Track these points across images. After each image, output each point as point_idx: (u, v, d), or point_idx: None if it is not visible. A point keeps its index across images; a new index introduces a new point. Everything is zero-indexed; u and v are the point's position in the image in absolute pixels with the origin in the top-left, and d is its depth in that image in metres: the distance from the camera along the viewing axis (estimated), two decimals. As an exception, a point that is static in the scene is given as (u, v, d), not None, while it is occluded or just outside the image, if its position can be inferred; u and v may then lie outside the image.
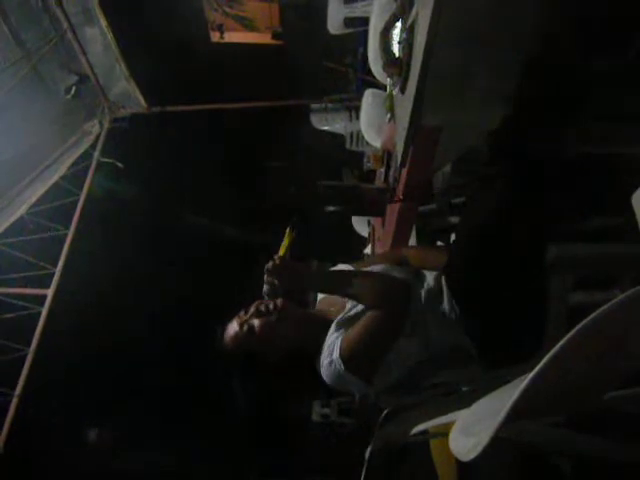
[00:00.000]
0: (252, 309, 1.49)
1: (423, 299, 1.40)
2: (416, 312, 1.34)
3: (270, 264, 1.39)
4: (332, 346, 1.35)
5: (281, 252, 1.46)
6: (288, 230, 1.49)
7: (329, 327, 1.44)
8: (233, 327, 1.49)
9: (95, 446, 5.20)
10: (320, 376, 1.39)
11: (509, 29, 1.30)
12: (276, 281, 1.39)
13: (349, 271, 1.52)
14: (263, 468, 5.41)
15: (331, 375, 1.34)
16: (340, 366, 1.31)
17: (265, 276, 1.40)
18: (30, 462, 4.24)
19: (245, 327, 1.46)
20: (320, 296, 1.67)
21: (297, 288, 1.49)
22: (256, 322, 1.46)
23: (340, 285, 1.42)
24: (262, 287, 1.45)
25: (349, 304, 1.49)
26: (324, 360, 1.36)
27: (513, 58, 1.37)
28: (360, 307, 1.41)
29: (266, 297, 1.45)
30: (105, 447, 5.22)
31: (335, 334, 1.38)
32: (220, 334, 1.51)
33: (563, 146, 1.41)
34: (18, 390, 3.63)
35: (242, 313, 1.50)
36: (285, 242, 1.48)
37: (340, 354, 1.31)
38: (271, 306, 1.46)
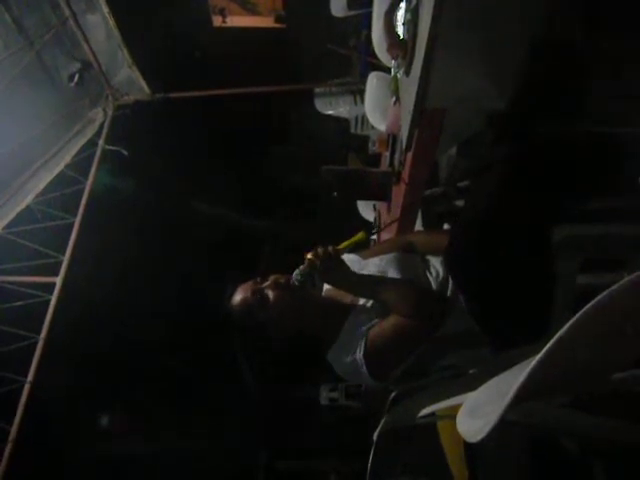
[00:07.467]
0: (270, 280, 1.41)
1: (433, 287, 1.40)
2: None
3: (321, 250, 1.32)
4: (355, 345, 1.32)
5: (342, 246, 1.39)
6: (362, 232, 1.44)
7: (343, 316, 1.41)
8: (245, 291, 1.41)
9: (108, 431, 5.27)
10: (323, 360, 1.39)
11: (514, 9, 1.29)
12: (320, 267, 1.32)
13: (387, 278, 1.45)
14: (273, 450, 5.49)
15: (349, 372, 1.34)
16: (362, 367, 1.30)
17: (308, 257, 1.33)
18: (43, 448, 4.32)
19: (258, 295, 1.39)
20: (327, 285, 1.60)
21: (331, 283, 1.43)
22: (271, 293, 1.38)
23: (377, 291, 1.37)
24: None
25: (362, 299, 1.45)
26: (344, 357, 1.33)
27: (518, 39, 1.35)
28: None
29: (297, 276, 1.35)
30: (119, 432, 5.29)
31: (357, 332, 1.34)
32: (230, 294, 1.44)
33: (566, 128, 1.39)
34: (30, 377, 3.67)
35: (258, 280, 1.43)
36: (352, 240, 1.42)
37: (364, 355, 1.30)
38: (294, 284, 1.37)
